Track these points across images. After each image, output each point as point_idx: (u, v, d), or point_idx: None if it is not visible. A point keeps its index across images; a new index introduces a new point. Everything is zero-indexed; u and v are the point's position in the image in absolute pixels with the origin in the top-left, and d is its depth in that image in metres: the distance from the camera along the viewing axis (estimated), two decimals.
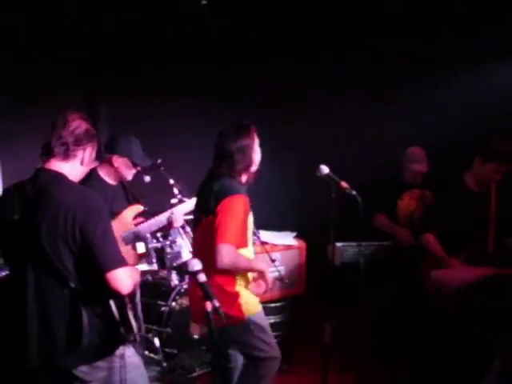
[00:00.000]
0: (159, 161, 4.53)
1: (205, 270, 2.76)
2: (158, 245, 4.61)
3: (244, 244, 3.49)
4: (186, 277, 4.83)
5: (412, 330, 4.73)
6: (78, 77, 5.97)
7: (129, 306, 2.85)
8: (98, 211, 2.72)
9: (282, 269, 5.04)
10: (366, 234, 4.59)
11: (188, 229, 4.85)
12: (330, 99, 6.10)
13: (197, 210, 3.72)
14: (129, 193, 4.35)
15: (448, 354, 4.28)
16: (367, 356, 4.92)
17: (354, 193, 3.58)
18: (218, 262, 3.27)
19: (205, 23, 5.80)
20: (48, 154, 2.80)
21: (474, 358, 4.14)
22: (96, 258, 2.65)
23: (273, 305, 5.04)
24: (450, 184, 4.52)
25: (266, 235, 5.03)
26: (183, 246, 4.78)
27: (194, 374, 4.72)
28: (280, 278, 4.90)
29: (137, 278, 2.89)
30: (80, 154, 2.83)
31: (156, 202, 4.75)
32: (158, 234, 4.67)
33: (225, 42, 5.97)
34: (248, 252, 3.57)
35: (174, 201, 4.72)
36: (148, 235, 4.30)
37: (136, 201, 4.38)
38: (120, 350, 2.83)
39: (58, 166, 2.79)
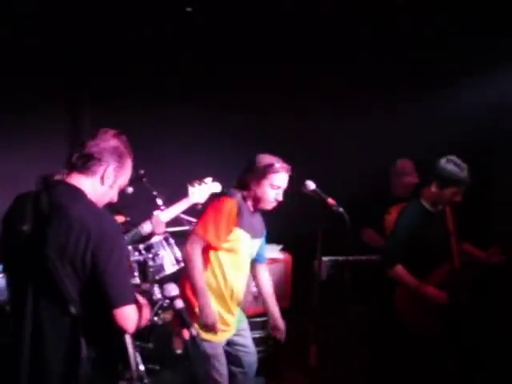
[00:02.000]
0: (142, 171, 4.44)
1: None
2: (141, 258, 4.51)
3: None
4: None
5: (400, 346, 4.66)
6: (62, 86, 5.90)
7: (131, 341, 2.63)
8: (114, 237, 2.50)
9: None
10: (353, 248, 4.53)
11: (172, 241, 4.75)
12: (316, 112, 6.07)
13: None
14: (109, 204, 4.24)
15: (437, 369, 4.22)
16: (355, 373, 4.85)
17: (340, 210, 3.49)
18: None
19: (191, 31, 5.74)
20: (68, 164, 2.59)
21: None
22: (105, 291, 2.41)
23: (257, 319, 4.94)
24: (409, 206, 4.43)
25: None
26: (166, 259, 4.68)
27: None
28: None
29: (147, 316, 2.64)
30: (100, 170, 2.58)
31: (139, 214, 4.65)
32: (141, 247, 4.57)
33: (213, 50, 5.92)
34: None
35: (157, 212, 4.63)
36: (130, 247, 4.20)
37: (117, 212, 4.27)
38: None
39: (78, 180, 2.56)
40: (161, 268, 4.65)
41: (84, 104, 6.09)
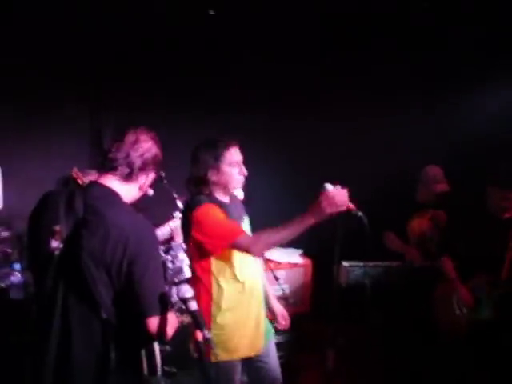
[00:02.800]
0: (163, 174, 4.42)
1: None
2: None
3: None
4: None
5: (419, 353, 4.60)
6: (84, 87, 5.91)
7: (159, 347, 2.57)
8: (152, 245, 2.47)
9: (287, 287, 4.93)
10: (373, 254, 4.46)
11: None
12: (339, 111, 6.03)
13: None
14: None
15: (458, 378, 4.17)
16: (373, 379, 4.80)
17: (360, 214, 3.24)
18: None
19: (209, 35, 5.76)
20: (107, 168, 2.54)
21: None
22: (139, 300, 2.37)
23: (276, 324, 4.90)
24: (471, 208, 4.40)
25: (270, 252, 4.90)
26: (185, 262, 4.66)
27: None
28: (284, 297, 4.79)
29: (176, 325, 2.57)
30: (142, 179, 2.61)
31: (159, 216, 4.64)
32: (160, 248, 4.55)
33: (226, 53, 5.93)
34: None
35: (177, 214, 4.61)
36: None
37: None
38: None
39: (114, 184, 2.52)
40: (180, 271, 4.60)
41: (105, 105, 6.10)
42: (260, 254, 3.33)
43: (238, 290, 3.37)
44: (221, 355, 3.28)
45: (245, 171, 3.41)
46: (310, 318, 5.19)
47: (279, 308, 3.80)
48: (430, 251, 4.74)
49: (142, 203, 4.34)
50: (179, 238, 4.34)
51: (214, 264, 3.34)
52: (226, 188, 3.41)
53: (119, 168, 2.52)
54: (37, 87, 5.39)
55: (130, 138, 2.57)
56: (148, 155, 2.58)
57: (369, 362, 5.01)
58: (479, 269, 4.16)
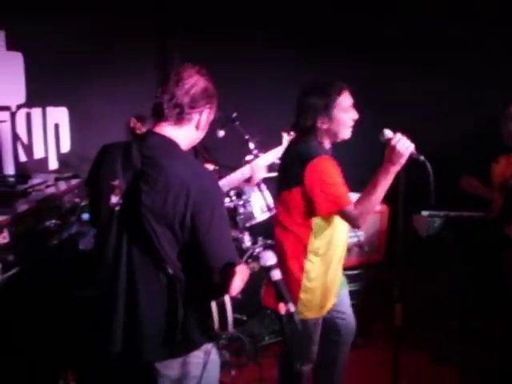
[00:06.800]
0: (234, 115, 4.26)
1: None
2: (231, 204, 4.37)
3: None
4: (260, 239, 4.59)
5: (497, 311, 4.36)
6: (151, 23, 5.76)
7: (230, 299, 2.39)
8: (216, 195, 2.32)
9: (362, 234, 4.73)
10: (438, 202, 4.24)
11: (263, 187, 4.58)
12: (424, 54, 5.75)
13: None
14: (199, 152, 4.11)
15: None
16: (444, 335, 4.60)
17: (421, 158, 2.90)
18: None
19: None
20: (158, 115, 2.39)
21: None
22: (207, 255, 2.26)
23: (349, 272, 4.72)
24: None
25: None
26: (257, 206, 4.52)
27: (263, 343, 4.51)
28: (359, 245, 4.62)
29: (247, 278, 2.38)
30: (196, 117, 2.41)
31: (230, 158, 4.50)
32: (232, 193, 4.43)
33: None
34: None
35: (249, 157, 4.47)
36: None
37: (206, 160, 4.14)
38: (207, 346, 2.47)
39: (169, 130, 2.38)
40: (251, 215, 4.50)
41: (173, 42, 5.93)
42: (362, 226, 3.08)
43: (332, 253, 3.23)
44: (307, 315, 3.18)
45: (356, 115, 3.13)
46: (384, 267, 4.98)
47: None
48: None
49: (212, 145, 4.26)
50: (260, 175, 4.20)
51: (317, 223, 3.13)
52: (335, 136, 3.15)
53: (167, 112, 2.37)
54: (102, 23, 5.21)
55: (172, 77, 2.39)
56: (195, 90, 2.38)
57: (442, 317, 4.82)
58: None
